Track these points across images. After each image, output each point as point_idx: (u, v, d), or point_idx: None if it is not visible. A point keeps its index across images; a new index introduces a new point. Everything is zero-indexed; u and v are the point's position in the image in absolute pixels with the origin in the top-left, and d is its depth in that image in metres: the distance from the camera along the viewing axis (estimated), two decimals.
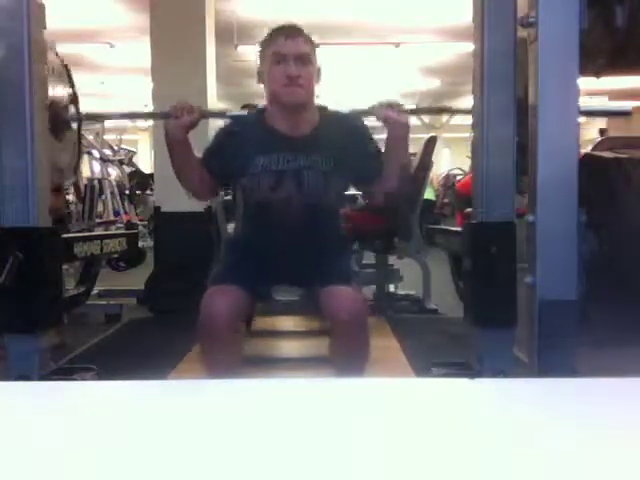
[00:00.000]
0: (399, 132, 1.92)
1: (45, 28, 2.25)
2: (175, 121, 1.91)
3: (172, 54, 4.35)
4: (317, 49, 1.94)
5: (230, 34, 7.70)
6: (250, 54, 7.85)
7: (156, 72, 4.52)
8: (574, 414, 0.72)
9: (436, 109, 2.92)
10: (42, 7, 2.24)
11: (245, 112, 2.13)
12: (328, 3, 7.30)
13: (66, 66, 2.96)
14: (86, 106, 3.13)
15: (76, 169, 3.20)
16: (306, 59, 1.88)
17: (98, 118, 4.27)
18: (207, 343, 1.83)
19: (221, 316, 1.78)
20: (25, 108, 2.12)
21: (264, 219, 1.96)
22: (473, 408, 0.77)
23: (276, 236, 1.94)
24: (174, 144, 1.93)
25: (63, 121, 2.67)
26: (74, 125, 2.83)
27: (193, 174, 1.97)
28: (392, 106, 1.91)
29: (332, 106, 2.10)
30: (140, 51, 6.53)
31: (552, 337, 1.88)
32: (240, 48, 8.20)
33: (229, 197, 3.53)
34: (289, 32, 1.90)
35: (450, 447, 0.63)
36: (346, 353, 1.81)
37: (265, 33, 1.97)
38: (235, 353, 1.86)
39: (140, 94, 11.33)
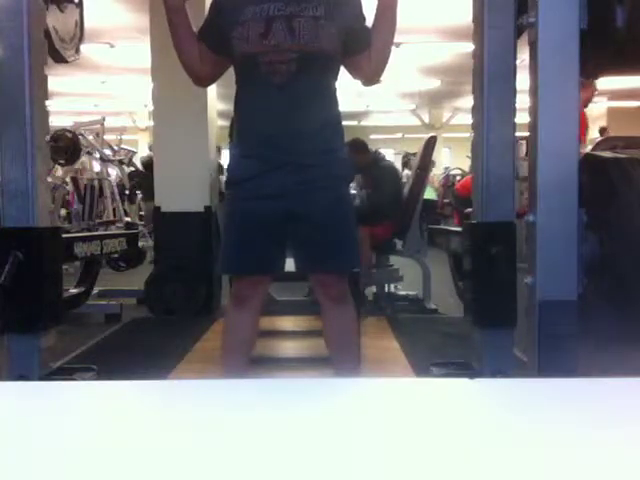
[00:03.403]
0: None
1: (45, 28, 2.25)
2: None
3: (172, 54, 4.35)
4: None
5: None
6: None
7: (156, 72, 4.52)
8: (574, 414, 0.72)
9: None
10: (42, 7, 2.24)
11: None
12: None
13: None
14: (86, 106, 3.14)
15: (78, 47, 3.24)
16: None
17: None
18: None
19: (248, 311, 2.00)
20: (25, 108, 2.12)
21: (256, 72, 1.89)
22: (473, 408, 0.77)
23: (270, 93, 1.89)
24: (172, 14, 1.93)
25: None
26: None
27: (192, 48, 1.97)
28: None
29: None
30: (140, 51, 6.53)
31: (552, 337, 1.88)
32: None
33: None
34: None
35: (450, 447, 0.63)
36: (335, 328, 2.03)
37: None
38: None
39: (140, 94, 11.35)
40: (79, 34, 3.19)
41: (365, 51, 1.95)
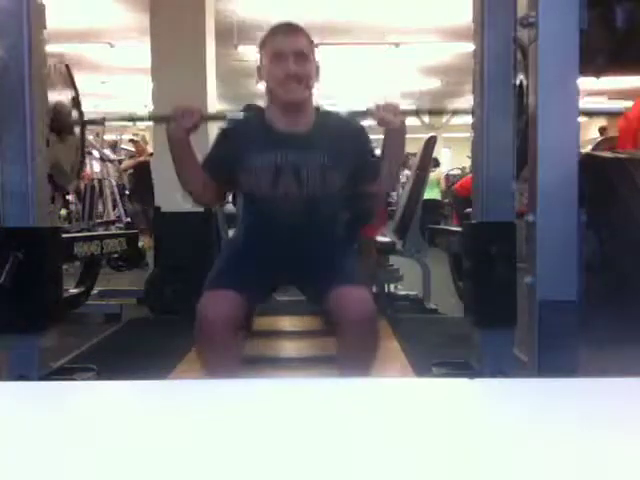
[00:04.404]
0: (395, 133, 1.92)
1: (45, 28, 2.25)
2: (176, 124, 1.90)
3: (172, 54, 4.36)
4: (315, 48, 1.95)
5: (230, 34, 7.69)
6: (250, 54, 7.85)
7: (156, 72, 4.52)
8: (574, 414, 0.72)
9: (435, 110, 2.91)
10: (42, 7, 2.24)
11: (245, 114, 2.12)
12: (328, 3, 7.29)
13: (67, 67, 2.96)
14: (86, 106, 3.13)
15: (79, 173, 3.24)
16: (305, 56, 1.88)
17: (99, 122, 4.35)
18: (205, 350, 1.80)
19: (218, 324, 1.74)
20: (25, 108, 2.12)
21: (264, 217, 1.96)
22: (473, 408, 0.78)
23: (276, 234, 1.94)
24: (176, 147, 1.93)
25: (66, 125, 2.70)
26: (77, 129, 2.87)
27: (196, 179, 1.96)
28: (389, 108, 1.91)
29: (332, 106, 2.11)
30: (140, 51, 6.53)
31: (552, 337, 1.88)
32: (240, 48, 8.20)
33: (229, 204, 3.52)
34: (288, 29, 1.90)
35: (450, 447, 0.63)
36: (354, 354, 1.78)
37: (265, 32, 1.98)
38: (233, 358, 1.83)
39: (140, 94, 11.35)
40: (79, 162, 3.15)
41: (373, 181, 1.98)
